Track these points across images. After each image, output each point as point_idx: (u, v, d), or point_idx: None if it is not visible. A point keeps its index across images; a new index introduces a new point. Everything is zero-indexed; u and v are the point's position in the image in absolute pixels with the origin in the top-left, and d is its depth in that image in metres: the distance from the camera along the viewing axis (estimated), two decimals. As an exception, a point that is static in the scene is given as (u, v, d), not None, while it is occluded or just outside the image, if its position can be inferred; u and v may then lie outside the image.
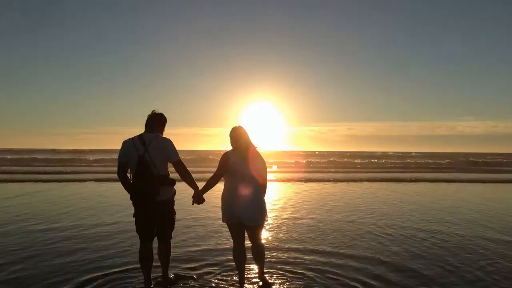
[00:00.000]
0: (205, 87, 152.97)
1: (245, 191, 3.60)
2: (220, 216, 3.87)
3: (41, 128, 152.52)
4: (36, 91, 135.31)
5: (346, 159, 43.38)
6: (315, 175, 21.27)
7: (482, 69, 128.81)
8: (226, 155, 3.71)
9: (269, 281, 4.06)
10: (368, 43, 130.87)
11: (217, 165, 3.74)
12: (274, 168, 31.47)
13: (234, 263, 4.07)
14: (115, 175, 3.71)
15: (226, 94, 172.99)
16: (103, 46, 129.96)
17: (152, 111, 3.77)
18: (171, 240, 3.84)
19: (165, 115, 3.87)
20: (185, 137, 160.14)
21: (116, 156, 3.96)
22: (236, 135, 3.75)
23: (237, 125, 3.81)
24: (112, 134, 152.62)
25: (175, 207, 3.80)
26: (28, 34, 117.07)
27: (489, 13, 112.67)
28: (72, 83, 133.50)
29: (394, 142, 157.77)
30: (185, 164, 3.61)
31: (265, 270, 4.14)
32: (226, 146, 3.94)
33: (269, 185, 4.27)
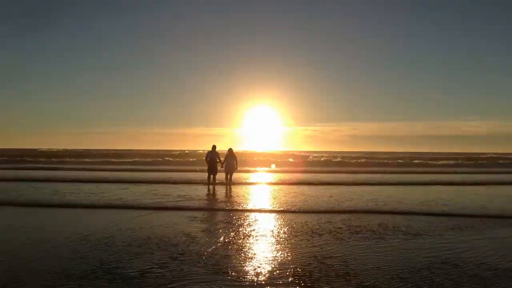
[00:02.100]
0: (208, 87, 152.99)
1: (230, 164, 15.70)
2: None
3: (43, 128, 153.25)
4: (37, 92, 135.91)
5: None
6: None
7: (488, 68, 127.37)
8: (226, 154, 15.80)
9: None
10: (372, 43, 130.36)
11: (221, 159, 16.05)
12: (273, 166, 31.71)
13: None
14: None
15: (230, 94, 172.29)
16: (107, 46, 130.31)
17: (213, 145, 15.92)
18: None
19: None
20: (188, 136, 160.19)
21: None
22: (230, 150, 15.77)
23: (230, 147, 15.90)
24: (116, 134, 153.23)
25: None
26: (30, 34, 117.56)
27: (495, 13, 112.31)
28: (74, 83, 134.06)
29: (399, 142, 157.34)
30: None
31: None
32: (226, 146, 16.44)
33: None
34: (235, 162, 15.77)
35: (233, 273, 4.66)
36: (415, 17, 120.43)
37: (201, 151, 53.48)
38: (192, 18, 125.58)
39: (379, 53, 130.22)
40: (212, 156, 15.67)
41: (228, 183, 15.69)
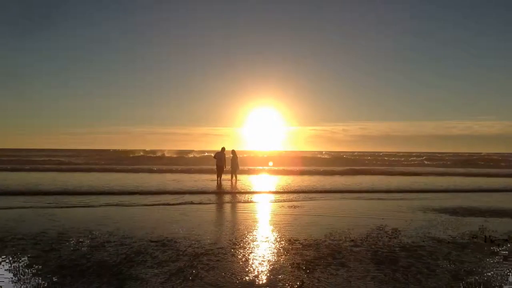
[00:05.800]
0: (211, 87, 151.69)
1: (235, 163, 19.58)
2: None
3: (46, 128, 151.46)
4: (40, 92, 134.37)
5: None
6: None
7: (501, 67, 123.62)
8: (235, 154, 19.63)
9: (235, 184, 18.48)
10: (382, 42, 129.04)
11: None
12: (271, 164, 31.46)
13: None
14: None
15: (237, 94, 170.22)
16: (112, 46, 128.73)
17: (222, 147, 19.27)
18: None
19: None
20: (193, 137, 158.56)
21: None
22: (233, 152, 19.63)
23: (233, 149, 19.82)
24: (120, 134, 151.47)
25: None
26: (32, 35, 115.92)
27: (508, 12, 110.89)
28: (76, 83, 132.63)
29: (408, 142, 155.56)
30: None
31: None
32: (232, 146, 20.31)
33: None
34: (237, 162, 19.72)
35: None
36: (426, 14, 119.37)
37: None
38: (195, 18, 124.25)
39: (389, 51, 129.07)
40: (220, 157, 18.74)
41: (233, 178, 19.73)
